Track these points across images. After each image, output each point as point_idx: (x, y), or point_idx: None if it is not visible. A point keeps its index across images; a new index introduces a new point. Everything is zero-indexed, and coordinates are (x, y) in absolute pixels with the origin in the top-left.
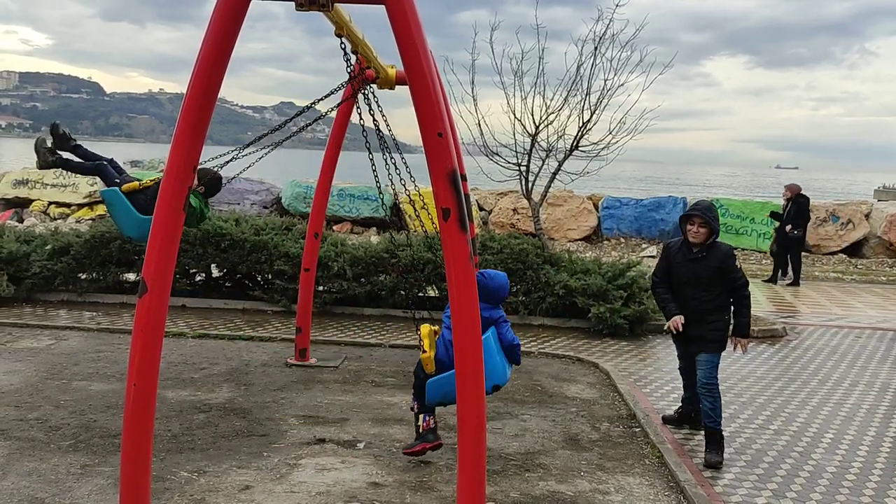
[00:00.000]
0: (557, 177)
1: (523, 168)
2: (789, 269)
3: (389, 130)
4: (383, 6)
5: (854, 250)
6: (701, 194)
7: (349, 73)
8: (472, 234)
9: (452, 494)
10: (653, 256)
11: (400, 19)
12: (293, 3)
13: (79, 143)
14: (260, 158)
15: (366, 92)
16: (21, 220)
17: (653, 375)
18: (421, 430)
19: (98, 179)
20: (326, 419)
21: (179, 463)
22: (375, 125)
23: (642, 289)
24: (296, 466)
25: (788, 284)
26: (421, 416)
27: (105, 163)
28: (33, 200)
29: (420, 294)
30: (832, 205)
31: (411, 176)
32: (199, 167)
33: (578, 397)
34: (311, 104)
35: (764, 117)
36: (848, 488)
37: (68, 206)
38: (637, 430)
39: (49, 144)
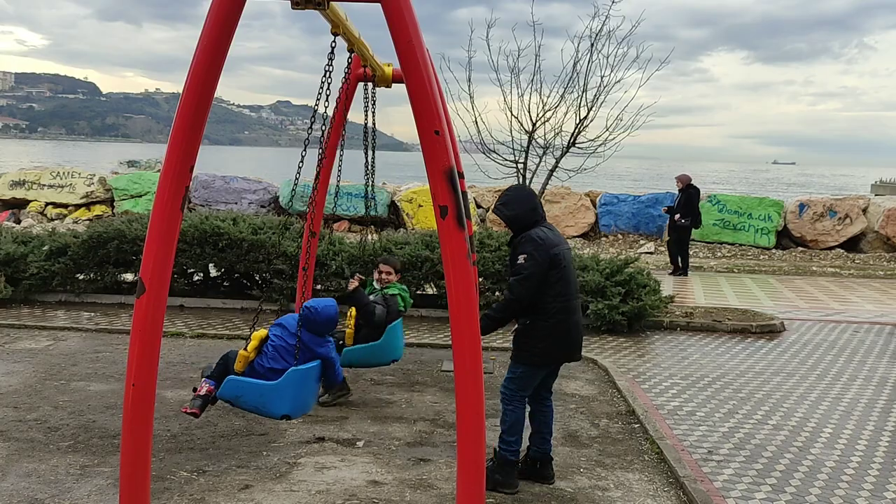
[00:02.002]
0: (555, 174)
1: (520, 165)
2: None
3: (374, 128)
4: (379, 4)
5: (851, 245)
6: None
7: (326, 68)
8: (469, 232)
9: (452, 492)
10: (651, 252)
11: (396, 17)
12: (289, 2)
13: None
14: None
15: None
16: (18, 221)
17: (651, 371)
18: (195, 392)
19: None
20: (325, 418)
21: (179, 463)
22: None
23: (640, 285)
24: (295, 465)
25: (672, 274)
26: (204, 380)
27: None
28: (30, 201)
29: (418, 292)
30: (829, 200)
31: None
32: (388, 259)
33: (577, 394)
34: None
35: (761, 113)
36: (847, 482)
37: (65, 206)
38: (636, 426)
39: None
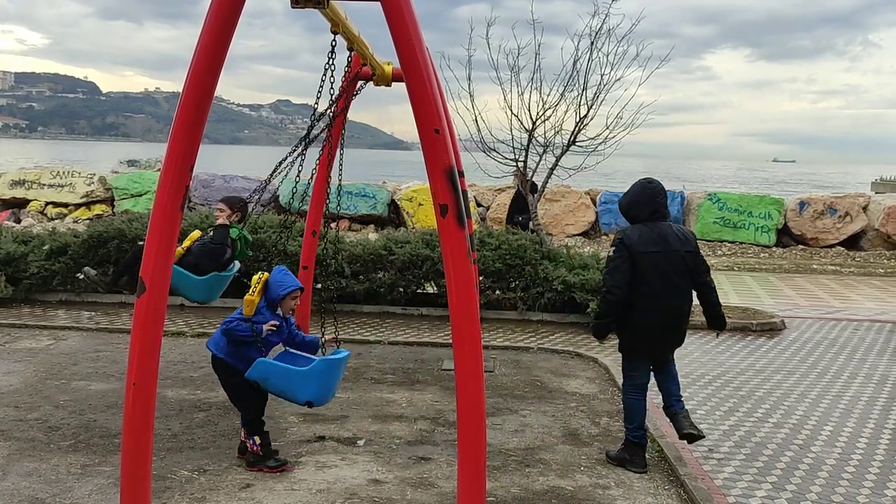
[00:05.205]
0: (555, 172)
1: (521, 164)
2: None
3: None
4: (379, 3)
5: (852, 243)
6: (699, 188)
7: (327, 67)
8: (469, 231)
9: (453, 490)
10: None
11: (396, 16)
12: (289, 0)
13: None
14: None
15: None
16: (18, 221)
17: None
18: (250, 451)
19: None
20: (326, 417)
21: (180, 462)
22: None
23: None
24: (296, 464)
25: None
26: (248, 438)
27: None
28: (30, 201)
29: (418, 291)
30: (830, 197)
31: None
32: (226, 198)
33: (578, 392)
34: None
35: (763, 110)
36: (847, 480)
37: (65, 206)
38: None
39: (95, 274)
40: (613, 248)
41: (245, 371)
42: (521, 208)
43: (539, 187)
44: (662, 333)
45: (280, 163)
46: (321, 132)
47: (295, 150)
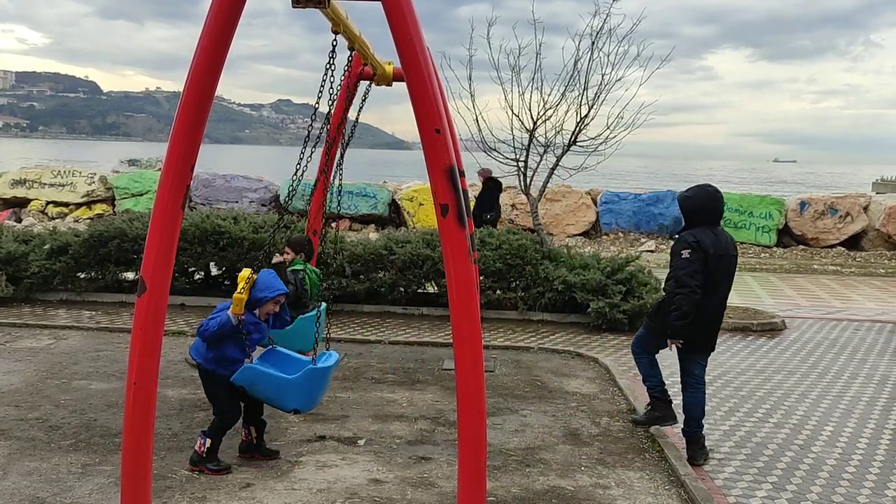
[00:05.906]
0: (556, 172)
1: (521, 163)
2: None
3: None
4: (379, 2)
5: (853, 243)
6: (501, 182)
7: (327, 67)
8: (470, 230)
9: (453, 490)
10: (651, 251)
11: (396, 15)
12: (290, 0)
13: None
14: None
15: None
16: (19, 220)
17: None
18: (196, 449)
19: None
20: (326, 416)
21: (180, 461)
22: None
23: (641, 283)
24: (296, 464)
25: None
26: (202, 437)
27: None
28: (31, 200)
29: (419, 290)
30: (830, 198)
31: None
32: (290, 239)
33: (578, 392)
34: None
35: (764, 110)
36: (848, 481)
37: (66, 205)
38: None
39: None
40: (690, 251)
41: (225, 377)
42: (488, 206)
43: (503, 185)
44: (713, 326)
45: (299, 171)
46: (327, 132)
47: (311, 155)
